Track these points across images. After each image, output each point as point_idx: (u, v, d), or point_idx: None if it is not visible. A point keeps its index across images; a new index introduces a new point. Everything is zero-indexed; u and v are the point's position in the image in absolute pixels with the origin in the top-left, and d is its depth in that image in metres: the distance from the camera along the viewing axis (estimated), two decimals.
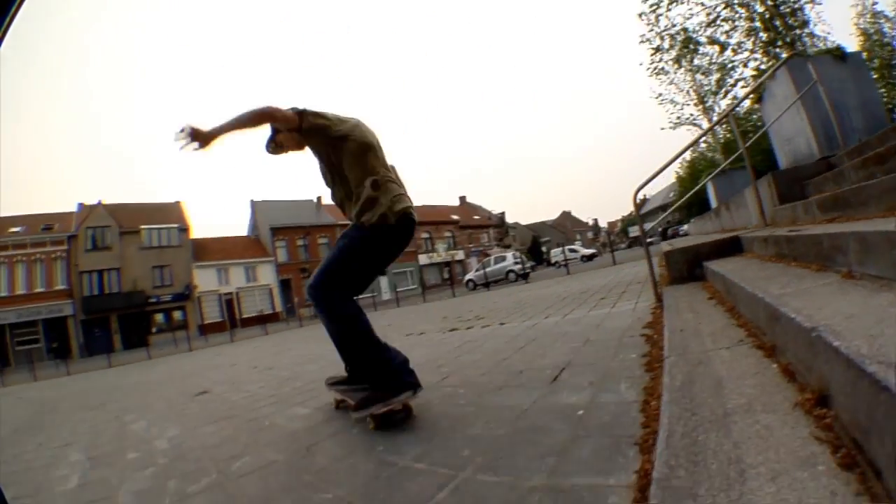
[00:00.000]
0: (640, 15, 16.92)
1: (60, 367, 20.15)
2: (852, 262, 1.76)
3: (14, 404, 8.51)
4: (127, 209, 38.67)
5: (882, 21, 24.23)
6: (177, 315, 37.48)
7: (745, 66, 15.58)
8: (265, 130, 2.64)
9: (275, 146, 2.71)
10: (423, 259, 51.05)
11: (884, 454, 0.82)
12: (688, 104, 20.51)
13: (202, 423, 3.57)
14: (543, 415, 2.06)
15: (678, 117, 21.01)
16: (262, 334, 20.71)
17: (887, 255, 1.48)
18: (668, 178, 43.30)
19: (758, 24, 14.02)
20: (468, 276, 29.82)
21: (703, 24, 15.48)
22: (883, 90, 19.68)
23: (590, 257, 36.26)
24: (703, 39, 16.11)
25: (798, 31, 13.58)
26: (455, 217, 58.36)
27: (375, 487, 1.70)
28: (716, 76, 17.44)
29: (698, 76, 18.72)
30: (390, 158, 2.86)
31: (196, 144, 2.20)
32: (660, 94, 20.96)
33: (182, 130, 2.16)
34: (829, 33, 14.36)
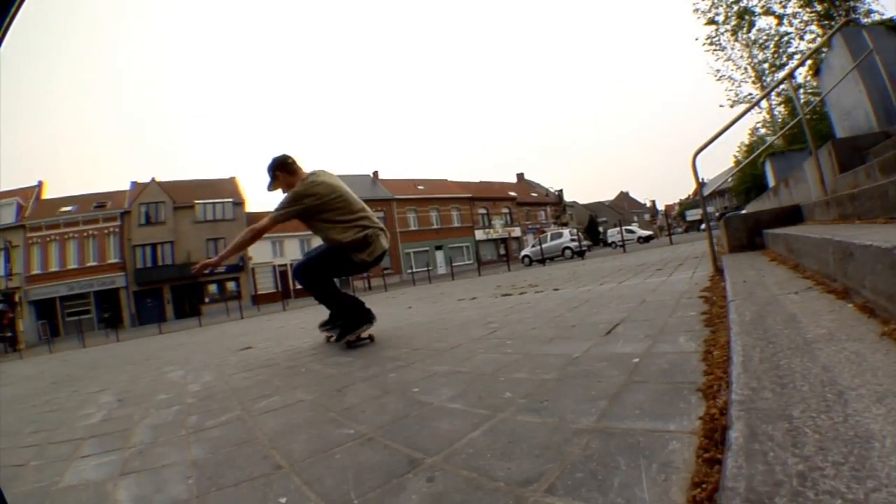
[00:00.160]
0: None
1: (111, 336, 20.92)
2: None
3: (58, 365, 8.75)
4: (181, 186, 39.87)
5: None
6: (230, 286, 38.47)
7: (801, 38, 15.19)
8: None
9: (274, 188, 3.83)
10: (479, 234, 50.82)
11: None
12: (745, 82, 19.82)
13: (238, 371, 3.55)
14: (595, 362, 1.88)
15: (736, 94, 20.20)
16: (315, 304, 20.65)
17: None
18: (727, 161, 41.90)
19: None
20: (524, 252, 29.69)
21: None
22: None
23: (646, 239, 35.45)
24: (758, 10, 15.57)
25: (852, 3, 13.07)
26: (512, 194, 57.84)
27: (402, 425, 1.57)
28: (772, 49, 16.90)
29: (755, 51, 18.04)
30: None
31: (209, 269, 3.72)
32: (717, 71, 20.25)
33: (198, 266, 3.70)
34: (884, 9, 13.60)
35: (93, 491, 1.49)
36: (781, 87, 11.72)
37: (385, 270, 38.57)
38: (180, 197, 38.19)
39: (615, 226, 42.74)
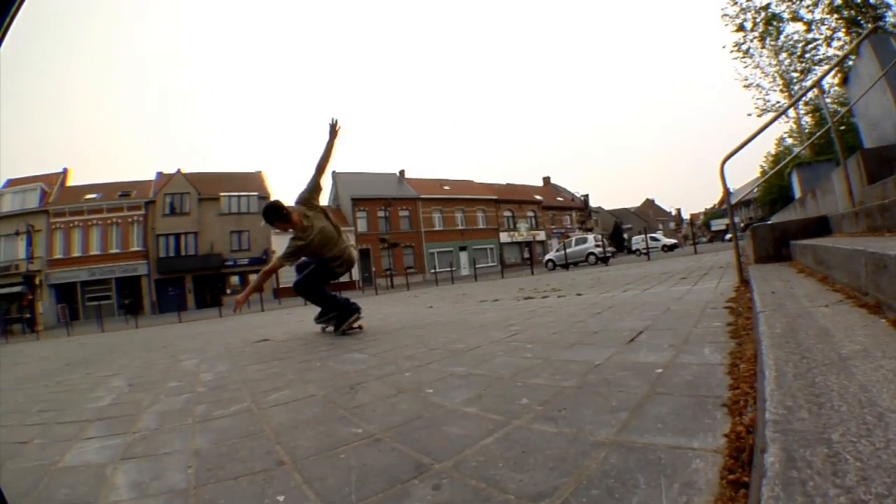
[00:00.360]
0: None
1: (130, 322, 21.15)
2: None
3: (75, 348, 8.84)
4: (207, 177, 40.41)
5: None
6: (252, 278, 38.66)
7: (829, 44, 14.95)
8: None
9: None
10: (503, 237, 50.80)
11: None
12: (773, 90, 19.60)
13: (253, 363, 3.55)
14: (617, 371, 1.82)
15: (764, 102, 19.93)
16: None
17: None
18: (752, 171, 41.33)
19: (839, 0, 13.48)
20: (548, 256, 29.64)
21: None
22: None
23: (671, 247, 35.01)
24: (785, 16, 15.44)
25: (880, 11, 12.91)
26: (538, 197, 57.69)
27: (413, 427, 1.51)
28: (798, 52, 16.65)
29: (782, 55, 17.85)
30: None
31: (240, 302, 4.57)
32: (745, 78, 20.06)
33: (234, 306, 4.68)
34: None
35: (91, 473, 1.47)
36: (809, 95, 11.44)
37: (408, 269, 38.67)
38: (206, 189, 38.70)
39: (640, 233, 42.28)
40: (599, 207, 76.23)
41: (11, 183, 35.91)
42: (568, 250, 25.48)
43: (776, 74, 19.02)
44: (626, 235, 66.64)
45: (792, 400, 0.93)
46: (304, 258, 4.75)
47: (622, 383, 1.63)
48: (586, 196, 61.84)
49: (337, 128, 4.51)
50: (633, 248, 40.92)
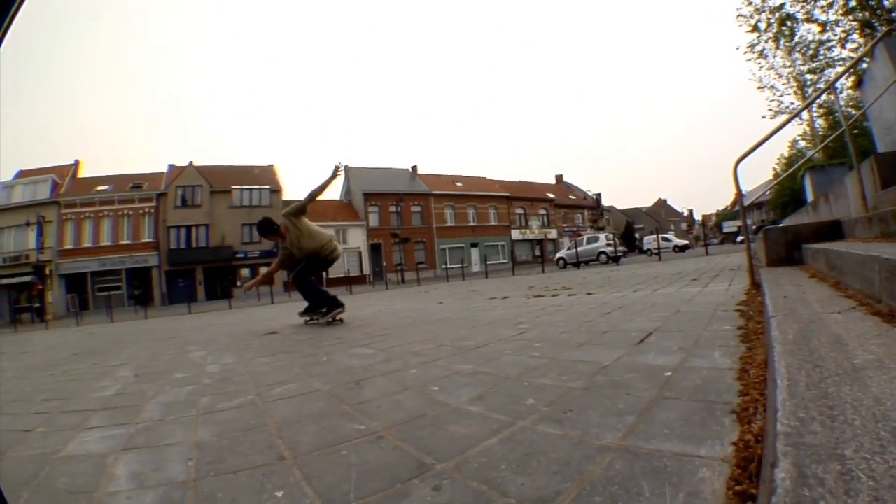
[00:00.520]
0: None
1: (139, 312, 21.32)
2: None
3: (83, 337, 8.92)
4: (219, 170, 40.45)
5: None
6: (263, 270, 38.64)
7: (843, 46, 14.78)
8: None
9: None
10: (515, 234, 50.57)
11: None
12: (787, 94, 19.50)
13: (259, 355, 3.55)
14: (625, 373, 1.79)
15: (778, 104, 19.81)
16: (346, 294, 20.81)
17: None
18: (764, 174, 40.97)
19: (853, 2, 13.28)
20: (559, 255, 29.34)
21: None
22: None
23: (682, 248, 34.82)
24: (800, 16, 15.34)
25: (895, 15, 12.66)
26: (551, 195, 57.28)
27: (416, 425, 1.50)
28: (811, 52, 16.53)
29: (795, 55, 17.72)
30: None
31: (248, 287, 6.40)
32: (760, 80, 19.91)
33: (244, 286, 7.49)
34: None
35: (92, 463, 1.47)
36: (822, 98, 11.25)
37: (419, 265, 38.64)
38: (217, 182, 38.80)
39: (652, 233, 41.97)
40: (611, 206, 75.54)
41: (22, 174, 36.18)
42: (579, 249, 25.23)
43: (790, 77, 18.92)
44: (637, 235, 66.12)
45: (804, 411, 0.90)
46: (300, 265, 5.51)
47: (630, 386, 1.61)
48: (598, 195, 61.45)
49: (339, 172, 5.39)
50: (645, 248, 40.71)
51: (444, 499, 0.99)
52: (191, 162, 38.74)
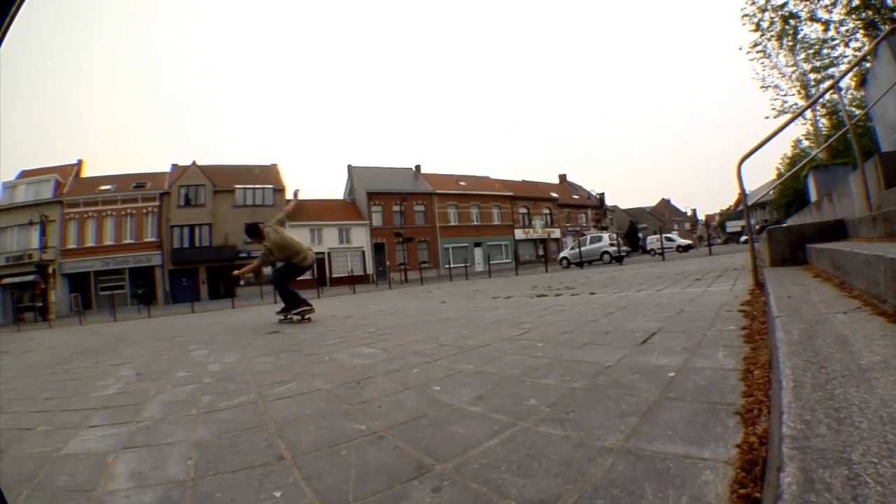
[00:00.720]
0: None
1: (142, 311, 21.23)
2: None
3: (86, 336, 8.90)
4: (222, 170, 40.53)
5: None
6: (266, 270, 38.52)
7: (847, 44, 14.77)
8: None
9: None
10: (518, 234, 50.59)
11: None
12: (791, 94, 19.46)
13: (261, 354, 3.55)
14: (628, 373, 1.78)
15: (782, 104, 19.83)
16: (349, 293, 20.82)
17: None
18: (768, 173, 40.94)
19: (856, 1, 13.21)
20: (562, 254, 29.22)
21: None
22: None
23: (686, 248, 34.98)
24: (803, 14, 15.28)
25: None
26: (554, 195, 57.13)
27: (417, 425, 1.49)
28: (814, 50, 16.62)
29: (797, 51, 17.73)
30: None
31: (245, 274, 6.75)
32: (763, 79, 19.94)
33: (237, 277, 6.82)
34: None
35: (92, 461, 1.47)
36: (825, 97, 11.19)
37: (423, 264, 38.65)
38: (220, 181, 38.85)
39: (655, 233, 41.93)
40: (615, 206, 75.42)
41: (25, 174, 36.29)
42: (583, 248, 25.08)
43: (793, 76, 18.89)
44: (641, 235, 66.03)
45: (810, 414, 0.89)
46: (280, 262, 6.38)
47: (633, 386, 1.60)
48: (602, 194, 61.37)
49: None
50: (648, 247, 40.72)
51: (443, 500, 0.98)
52: (194, 161, 38.83)
